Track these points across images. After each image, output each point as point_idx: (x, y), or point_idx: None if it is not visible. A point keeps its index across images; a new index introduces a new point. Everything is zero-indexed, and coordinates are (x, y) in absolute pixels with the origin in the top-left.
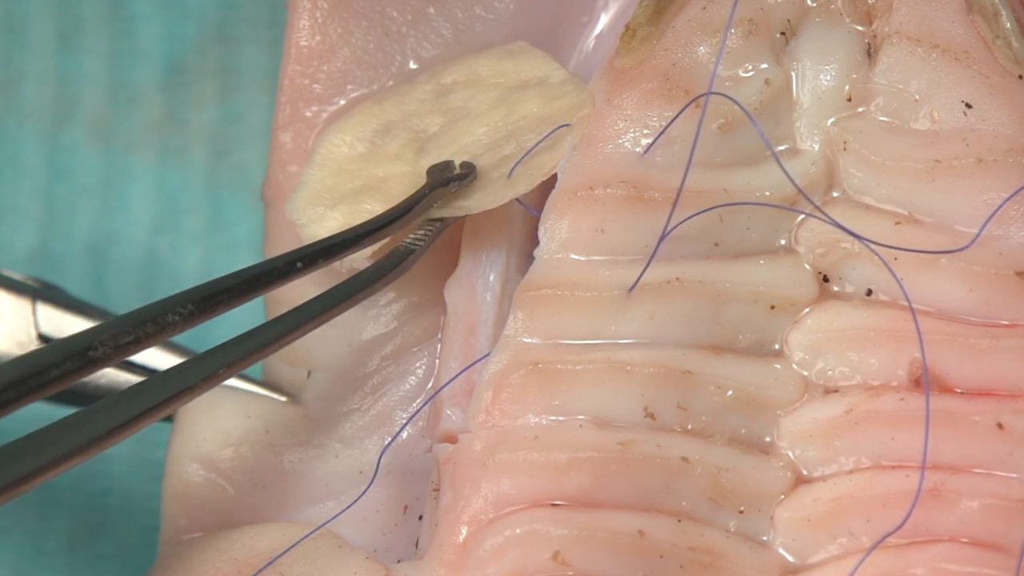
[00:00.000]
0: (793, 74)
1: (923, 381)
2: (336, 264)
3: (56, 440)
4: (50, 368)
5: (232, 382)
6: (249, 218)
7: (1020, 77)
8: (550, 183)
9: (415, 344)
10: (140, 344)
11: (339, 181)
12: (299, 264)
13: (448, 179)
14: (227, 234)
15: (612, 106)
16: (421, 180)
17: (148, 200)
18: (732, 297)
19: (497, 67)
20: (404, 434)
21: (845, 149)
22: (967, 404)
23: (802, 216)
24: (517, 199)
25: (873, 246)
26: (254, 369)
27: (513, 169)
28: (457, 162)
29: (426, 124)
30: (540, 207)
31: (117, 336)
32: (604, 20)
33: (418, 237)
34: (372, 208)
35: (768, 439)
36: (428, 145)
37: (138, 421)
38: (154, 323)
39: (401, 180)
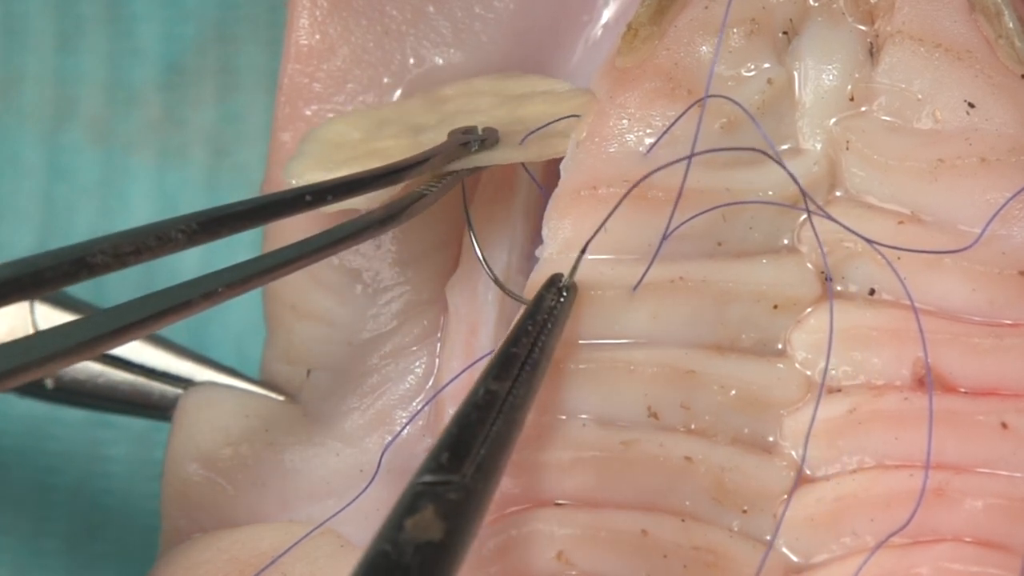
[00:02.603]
0: (795, 73)
1: (926, 380)
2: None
3: (57, 338)
4: (46, 270)
5: (231, 381)
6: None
7: (1022, 76)
8: (552, 184)
9: (415, 343)
10: (140, 255)
11: (338, 150)
12: (308, 198)
13: (468, 140)
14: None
15: (615, 105)
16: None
17: (147, 200)
18: (735, 297)
19: (496, 85)
20: (404, 433)
21: (847, 148)
22: (971, 404)
23: (805, 216)
24: (528, 172)
25: (876, 246)
26: (253, 369)
27: (525, 138)
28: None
29: (422, 120)
30: (541, 211)
31: (117, 246)
32: (605, 19)
33: (430, 187)
34: None
35: (771, 439)
36: (425, 131)
37: (135, 329)
38: (156, 237)
39: (402, 150)
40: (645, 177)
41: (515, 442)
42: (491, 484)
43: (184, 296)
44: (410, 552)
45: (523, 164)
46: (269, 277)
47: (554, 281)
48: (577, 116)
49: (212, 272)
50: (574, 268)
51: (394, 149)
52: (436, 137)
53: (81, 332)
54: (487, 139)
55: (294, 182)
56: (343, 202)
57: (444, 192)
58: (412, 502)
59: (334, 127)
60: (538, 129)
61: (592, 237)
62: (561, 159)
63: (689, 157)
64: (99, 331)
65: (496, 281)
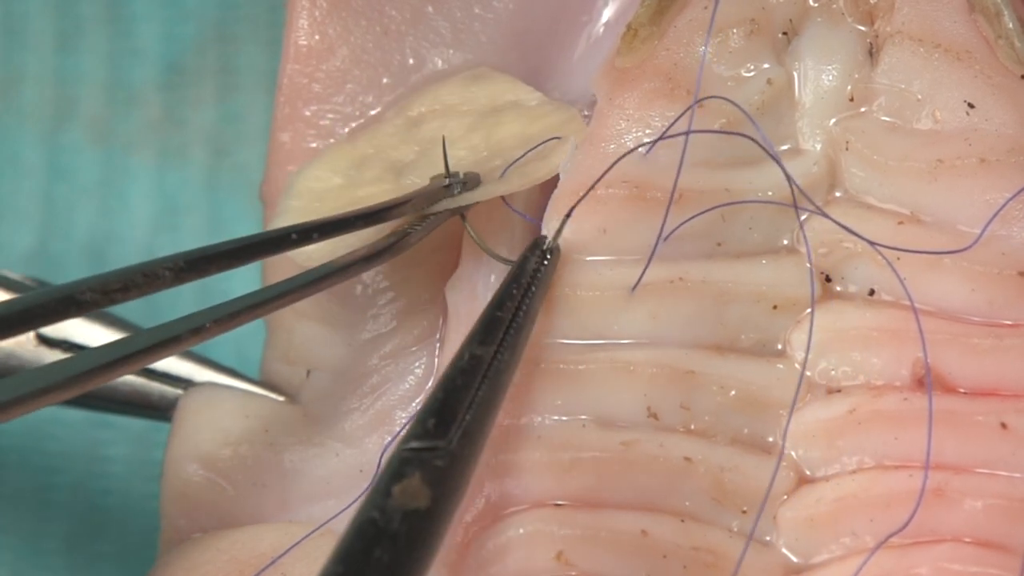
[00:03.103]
0: (795, 74)
1: (926, 381)
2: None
3: (52, 373)
4: (36, 308)
5: (231, 381)
6: (248, 218)
7: (1022, 77)
8: (551, 185)
9: (414, 344)
10: (128, 292)
11: (320, 205)
12: (294, 236)
13: (451, 184)
14: (226, 234)
15: (614, 106)
16: None
17: (147, 200)
18: (734, 297)
19: (464, 94)
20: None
21: (847, 149)
22: (970, 404)
23: (805, 216)
24: (511, 207)
25: (876, 246)
26: (253, 369)
27: (505, 171)
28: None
29: (401, 154)
30: (540, 211)
31: (106, 283)
32: (604, 19)
33: (413, 226)
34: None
35: (771, 439)
36: (406, 171)
37: (119, 366)
38: (144, 275)
39: (385, 196)
40: (613, 163)
41: (500, 407)
42: (476, 450)
43: (172, 332)
44: (398, 520)
45: (504, 199)
46: (257, 313)
47: (538, 244)
48: (557, 138)
49: (202, 310)
50: (559, 231)
51: (377, 196)
52: (418, 180)
53: (68, 369)
54: (468, 182)
55: None
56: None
57: (427, 232)
58: (399, 468)
59: (313, 172)
60: (516, 161)
61: (579, 201)
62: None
63: (685, 134)
64: (88, 366)
65: (484, 247)
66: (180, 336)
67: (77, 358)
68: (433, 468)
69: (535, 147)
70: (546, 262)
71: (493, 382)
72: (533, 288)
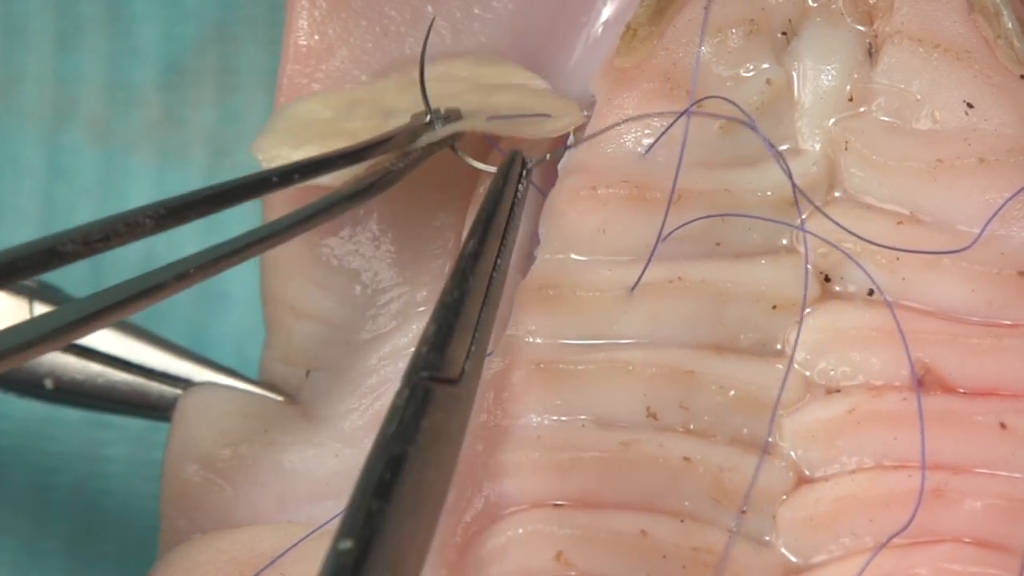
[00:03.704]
0: (794, 74)
1: (926, 381)
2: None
3: (56, 317)
4: (18, 260)
5: (230, 381)
6: (248, 218)
7: (1022, 77)
8: (550, 183)
9: (414, 344)
10: (110, 242)
11: (305, 128)
12: (274, 179)
13: (432, 120)
14: (226, 234)
15: (613, 106)
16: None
17: (147, 200)
18: (733, 297)
19: (474, 69)
20: None
21: (846, 149)
22: (969, 404)
23: (804, 216)
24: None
25: (875, 246)
26: (252, 369)
27: (493, 118)
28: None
29: (395, 103)
30: (540, 208)
31: (87, 235)
32: (603, 19)
33: (396, 164)
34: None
35: (770, 439)
36: (395, 115)
37: (106, 315)
38: (125, 223)
39: (371, 132)
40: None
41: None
42: (479, 372)
43: (156, 280)
44: (428, 448)
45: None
46: (239, 258)
47: (515, 157)
48: (548, 115)
49: (184, 257)
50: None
51: (362, 131)
52: (405, 121)
53: (54, 321)
54: (449, 117)
55: (260, 156)
56: (309, 181)
57: (412, 168)
58: (423, 403)
59: (305, 105)
60: (506, 116)
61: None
62: (559, 159)
63: (679, 161)
64: (73, 318)
65: (478, 166)
66: (165, 283)
67: (62, 310)
68: (451, 396)
69: (526, 115)
70: (525, 174)
71: (492, 294)
72: (517, 198)
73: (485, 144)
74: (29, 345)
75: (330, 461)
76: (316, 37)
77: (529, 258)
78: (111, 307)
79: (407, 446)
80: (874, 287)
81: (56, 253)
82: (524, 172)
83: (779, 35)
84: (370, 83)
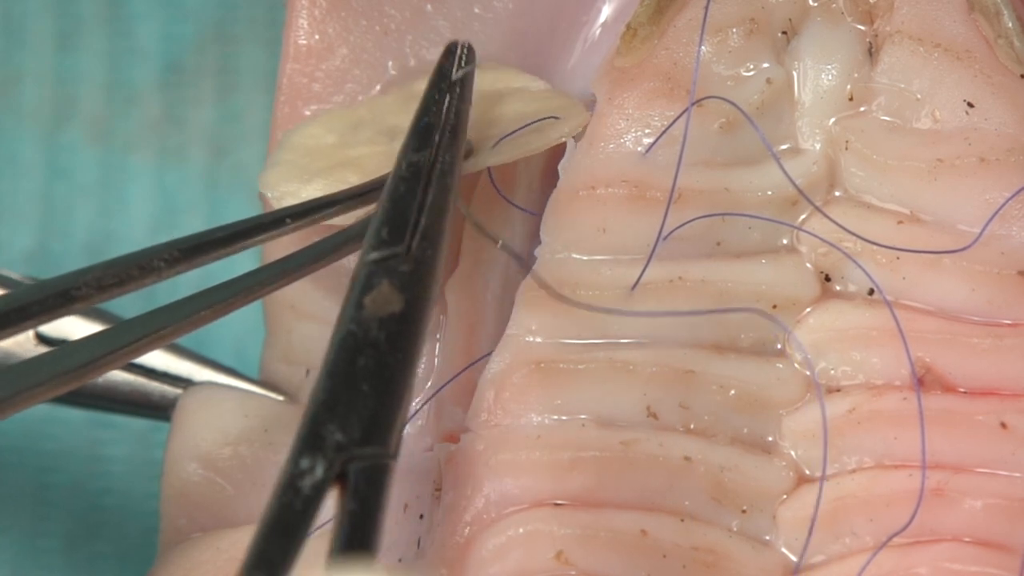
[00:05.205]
0: (794, 73)
1: (926, 380)
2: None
3: (56, 361)
4: (32, 304)
5: (231, 381)
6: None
7: (1022, 76)
8: (551, 183)
9: None
10: (123, 286)
11: (311, 160)
12: (288, 220)
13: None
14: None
15: (613, 105)
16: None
17: (147, 200)
18: (734, 296)
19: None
20: (404, 432)
21: (847, 148)
22: (970, 404)
23: (804, 216)
24: (510, 201)
25: (875, 246)
26: (253, 369)
27: (499, 142)
28: None
29: (398, 120)
30: (541, 207)
31: (100, 278)
32: (603, 19)
33: None
34: (351, 180)
35: (770, 438)
36: (401, 135)
37: (105, 361)
38: (138, 267)
39: (377, 158)
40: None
41: (452, 208)
42: (438, 251)
43: (165, 321)
44: (375, 327)
45: (503, 195)
46: (249, 298)
47: (451, 49)
48: (556, 118)
49: (193, 294)
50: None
51: (368, 158)
52: None
53: (59, 362)
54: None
55: (269, 193)
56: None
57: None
58: (367, 280)
59: (308, 130)
60: (511, 133)
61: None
62: (560, 159)
63: (679, 161)
64: (75, 363)
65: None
66: (173, 325)
67: (60, 352)
68: (399, 274)
69: (531, 123)
70: (464, 63)
71: (440, 184)
72: (458, 90)
73: None
74: (32, 389)
75: None
76: (316, 36)
77: (531, 258)
78: (118, 349)
79: (351, 324)
80: (874, 287)
81: (70, 297)
82: (464, 56)
83: (779, 34)
84: (371, 101)
